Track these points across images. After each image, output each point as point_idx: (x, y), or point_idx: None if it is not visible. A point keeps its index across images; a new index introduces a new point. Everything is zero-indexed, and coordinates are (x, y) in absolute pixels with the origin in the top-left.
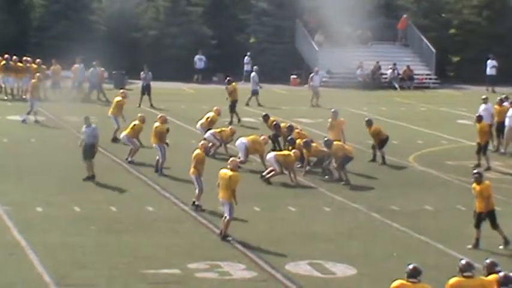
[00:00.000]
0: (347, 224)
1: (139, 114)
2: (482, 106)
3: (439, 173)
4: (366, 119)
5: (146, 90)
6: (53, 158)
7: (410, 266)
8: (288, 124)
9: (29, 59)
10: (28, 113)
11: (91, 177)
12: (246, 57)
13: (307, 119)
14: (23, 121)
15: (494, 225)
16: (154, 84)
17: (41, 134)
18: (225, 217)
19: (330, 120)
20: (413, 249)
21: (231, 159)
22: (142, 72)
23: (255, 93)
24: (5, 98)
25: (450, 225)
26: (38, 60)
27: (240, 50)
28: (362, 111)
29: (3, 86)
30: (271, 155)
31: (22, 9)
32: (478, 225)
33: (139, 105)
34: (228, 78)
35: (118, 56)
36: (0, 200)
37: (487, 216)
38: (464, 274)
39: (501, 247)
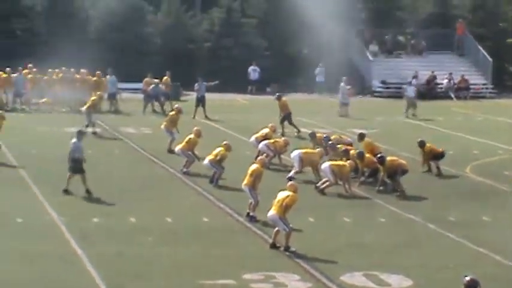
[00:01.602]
0: (402, 234)
1: (194, 128)
2: None
3: (496, 183)
4: (418, 140)
5: (200, 101)
6: (109, 169)
7: (468, 278)
8: (324, 135)
9: (85, 71)
10: (87, 126)
11: (87, 192)
12: (318, 68)
13: (361, 130)
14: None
15: None
16: (208, 96)
17: (97, 145)
18: (278, 230)
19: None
20: (470, 260)
21: (289, 183)
22: (196, 84)
23: (344, 104)
24: (63, 110)
25: (507, 236)
26: (97, 72)
27: (294, 61)
28: (417, 121)
29: (61, 98)
30: (326, 165)
31: (79, 22)
32: None
33: (194, 117)
34: (277, 94)
35: (173, 67)
36: (57, 211)
37: None
38: None
39: None
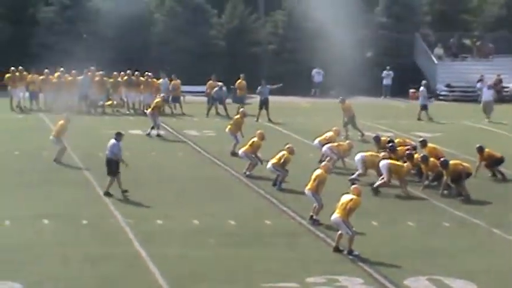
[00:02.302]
0: (467, 239)
1: (258, 131)
2: None
3: None
4: (477, 146)
5: (264, 104)
6: (172, 171)
7: None
8: (388, 139)
9: (150, 74)
10: (152, 128)
11: (107, 194)
12: (385, 72)
13: (425, 133)
14: (147, 135)
15: None
16: (271, 99)
17: (161, 148)
18: (341, 233)
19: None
20: None
21: (353, 186)
22: (259, 87)
23: (424, 108)
24: (127, 112)
25: None
26: (162, 74)
27: (358, 64)
28: (482, 125)
29: (125, 100)
30: (384, 162)
31: (144, 24)
32: None
33: (257, 120)
34: (341, 97)
35: (237, 70)
36: (122, 213)
37: None
38: None
39: None
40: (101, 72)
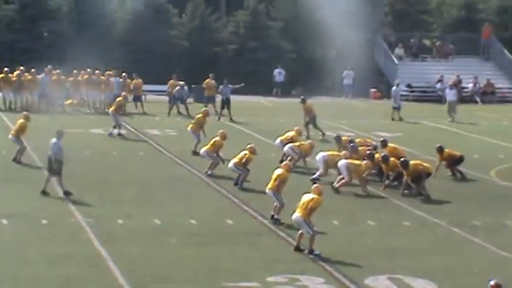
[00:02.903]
0: (427, 238)
1: (220, 131)
2: None
3: None
4: (437, 145)
5: (226, 104)
6: (133, 171)
7: (492, 282)
8: (349, 139)
9: (111, 72)
10: (114, 127)
11: (66, 193)
12: (345, 71)
13: (386, 133)
14: (109, 134)
15: None
16: (233, 98)
17: (122, 147)
18: (302, 233)
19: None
20: (495, 265)
21: (314, 185)
22: (221, 86)
23: (396, 108)
24: (88, 111)
25: None
26: (123, 74)
27: (320, 64)
28: (442, 125)
29: (86, 99)
30: (343, 162)
31: (105, 24)
32: None
33: (219, 119)
34: (302, 97)
35: (198, 70)
36: (82, 212)
37: None
38: None
39: None
40: (58, 71)
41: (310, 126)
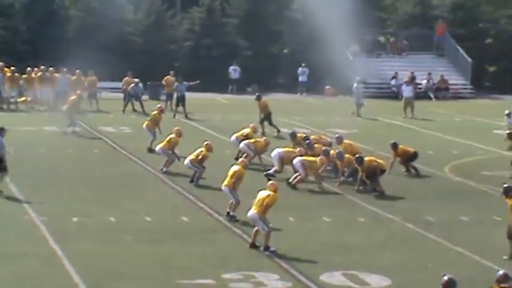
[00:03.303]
0: (381, 234)
1: (176, 128)
2: None
3: (475, 183)
4: (391, 142)
5: (181, 101)
6: (88, 169)
7: (446, 277)
8: (304, 135)
9: (65, 69)
10: (68, 126)
11: None
12: (300, 69)
13: (341, 130)
14: (64, 133)
15: None
16: (189, 95)
17: (77, 145)
18: (258, 229)
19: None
20: (449, 260)
21: (270, 182)
22: (176, 83)
23: (359, 105)
24: (41, 108)
25: (486, 236)
26: (77, 71)
27: (275, 61)
28: (397, 122)
29: (39, 96)
30: (297, 160)
31: (59, 21)
32: (510, 237)
33: (174, 116)
34: (257, 94)
35: (153, 67)
36: (37, 210)
37: None
38: (502, 285)
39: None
40: (12, 68)
41: (266, 123)
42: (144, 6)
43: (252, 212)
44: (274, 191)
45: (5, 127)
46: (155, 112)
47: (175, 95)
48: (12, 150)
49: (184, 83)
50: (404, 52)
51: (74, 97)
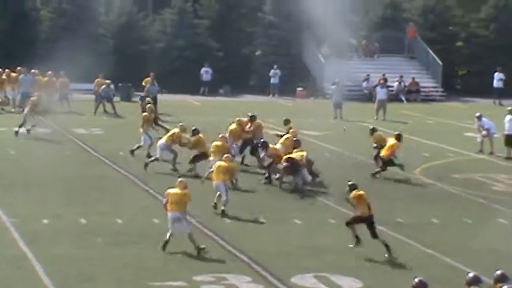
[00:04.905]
0: (352, 236)
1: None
2: (508, 117)
3: (446, 186)
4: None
5: (153, 101)
6: (59, 171)
7: (417, 280)
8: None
9: (36, 71)
10: (20, 126)
11: None
12: (272, 71)
13: (313, 132)
14: (16, 133)
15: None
16: (161, 97)
17: (48, 147)
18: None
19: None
20: (420, 262)
21: (179, 180)
22: (148, 85)
23: (338, 106)
24: (13, 110)
25: (457, 238)
26: (49, 72)
27: (247, 63)
28: (368, 124)
29: (10, 97)
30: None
31: (29, 22)
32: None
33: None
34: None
35: (125, 68)
36: (7, 213)
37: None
38: (499, 285)
39: (386, 255)
40: None
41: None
42: (115, 7)
43: (175, 212)
44: (185, 188)
45: None
46: (146, 113)
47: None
48: None
49: (156, 84)
50: (376, 54)
51: (33, 98)
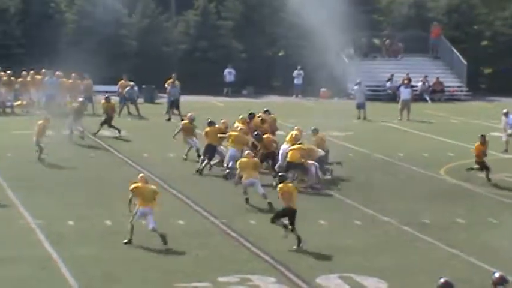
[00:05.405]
0: (377, 237)
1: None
2: None
3: (471, 185)
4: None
5: (175, 104)
6: (84, 172)
7: (442, 280)
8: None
9: (61, 73)
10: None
11: None
12: (296, 71)
13: (336, 132)
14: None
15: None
16: (184, 98)
17: (72, 148)
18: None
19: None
20: (445, 262)
21: (140, 175)
22: (169, 87)
23: (361, 106)
24: (37, 112)
25: (482, 238)
26: (73, 74)
27: (270, 64)
28: (392, 124)
29: (35, 100)
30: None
31: (53, 24)
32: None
33: (170, 119)
34: (108, 97)
35: (148, 70)
36: (32, 214)
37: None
38: (498, 287)
39: (294, 247)
40: (8, 72)
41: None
42: (139, 9)
43: (147, 207)
44: (145, 183)
45: None
46: (185, 121)
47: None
48: (9, 154)
49: (176, 87)
50: (400, 54)
51: (76, 103)
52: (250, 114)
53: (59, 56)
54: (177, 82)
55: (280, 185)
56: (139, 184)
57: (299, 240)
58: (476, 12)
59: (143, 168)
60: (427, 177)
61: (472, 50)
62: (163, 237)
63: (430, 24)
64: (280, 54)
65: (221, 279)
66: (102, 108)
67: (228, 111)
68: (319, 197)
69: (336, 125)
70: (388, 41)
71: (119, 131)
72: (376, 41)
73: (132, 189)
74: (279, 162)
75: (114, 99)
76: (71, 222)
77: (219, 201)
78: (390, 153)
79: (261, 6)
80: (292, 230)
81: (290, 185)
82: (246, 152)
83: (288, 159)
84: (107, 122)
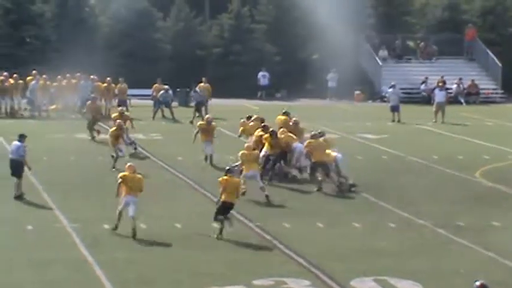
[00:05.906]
0: (412, 240)
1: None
2: None
3: (507, 188)
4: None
5: (201, 106)
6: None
7: (478, 283)
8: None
9: (95, 77)
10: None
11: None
12: (330, 74)
13: (371, 135)
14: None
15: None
16: (217, 101)
17: (107, 152)
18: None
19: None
20: (481, 265)
21: (128, 164)
22: (197, 88)
23: (395, 109)
24: (72, 116)
25: None
26: (108, 78)
27: (303, 67)
28: (427, 127)
29: (70, 104)
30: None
31: (88, 28)
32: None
33: (192, 122)
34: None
35: (182, 73)
36: (68, 217)
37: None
38: None
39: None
40: (44, 76)
41: None
42: (173, 13)
43: (133, 196)
44: (134, 172)
45: (25, 134)
46: (202, 122)
47: (197, 101)
48: (45, 157)
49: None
50: (434, 57)
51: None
52: (284, 112)
53: (93, 60)
54: (202, 85)
55: (226, 177)
56: (126, 173)
57: (221, 231)
58: (510, 14)
59: (177, 171)
60: (462, 179)
61: (507, 52)
62: (134, 231)
63: (464, 26)
64: (313, 57)
65: (256, 282)
66: (86, 109)
67: (263, 115)
68: (353, 200)
69: (369, 128)
70: (422, 43)
71: (98, 132)
72: (411, 44)
73: (120, 177)
74: (308, 162)
75: (149, 103)
76: (106, 226)
77: (253, 204)
78: (425, 155)
79: (294, 9)
80: (225, 218)
81: (236, 178)
82: (246, 144)
83: (313, 159)
84: (94, 123)
